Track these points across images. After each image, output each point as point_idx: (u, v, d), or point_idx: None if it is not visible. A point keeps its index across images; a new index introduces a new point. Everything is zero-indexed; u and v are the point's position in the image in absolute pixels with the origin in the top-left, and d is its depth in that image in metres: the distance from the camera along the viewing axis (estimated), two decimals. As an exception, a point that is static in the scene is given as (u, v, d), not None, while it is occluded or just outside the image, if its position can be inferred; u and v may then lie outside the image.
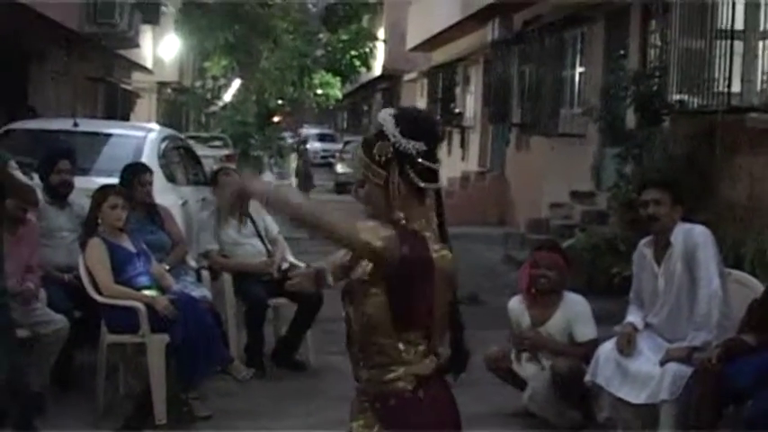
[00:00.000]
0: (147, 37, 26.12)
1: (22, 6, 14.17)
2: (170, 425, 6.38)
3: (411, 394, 3.10)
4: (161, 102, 34.90)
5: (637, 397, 5.50)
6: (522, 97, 17.89)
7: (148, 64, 28.31)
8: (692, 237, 5.59)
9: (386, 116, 3.11)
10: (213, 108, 38.90)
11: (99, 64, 22.95)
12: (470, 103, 24.32)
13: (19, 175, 5.78)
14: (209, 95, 37.91)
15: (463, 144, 24.20)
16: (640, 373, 5.51)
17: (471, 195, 20.64)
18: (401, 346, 3.06)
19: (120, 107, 25.25)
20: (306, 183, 30.49)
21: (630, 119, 12.16)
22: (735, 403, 4.98)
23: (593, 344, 6.13)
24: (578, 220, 13.11)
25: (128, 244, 6.71)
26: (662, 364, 5.40)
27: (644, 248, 5.86)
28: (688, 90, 10.46)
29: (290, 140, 37.50)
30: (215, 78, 36.82)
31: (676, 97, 10.68)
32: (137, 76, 28.92)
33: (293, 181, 33.41)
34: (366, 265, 3.07)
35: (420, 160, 3.06)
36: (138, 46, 23.80)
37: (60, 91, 19.63)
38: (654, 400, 5.40)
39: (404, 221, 3.06)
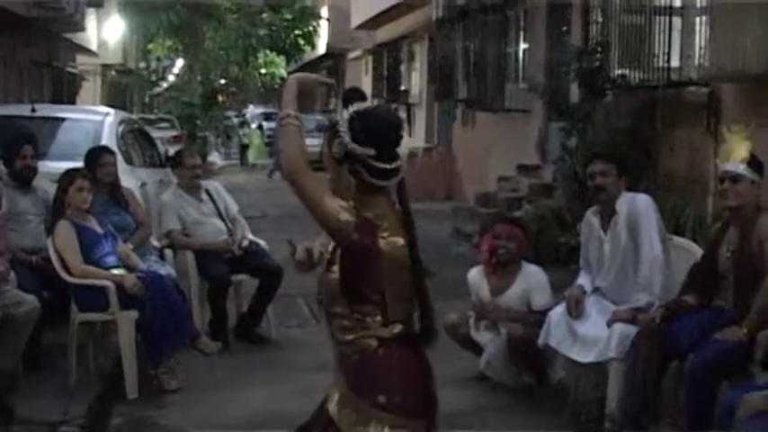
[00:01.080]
0: (91, 19, 26.10)
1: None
2: (141, 399, 6.64)
3: (373, 352, 3.37)
4: (105, 84, 34.81)
5: (586, 356, 5.82)
6: (467, 74, 18.16)
7: (93, 46, 28.28)
8: (636, 205, 5.92)
9: (345, 117, 3.36)
10: (158, 89, 38.87)
11: (44, 48, 22.90)
12: (416, 81, 24.55)
13: None
14: (153, 77, 37.88)
15: (410, 121, 24.44)
16: (589, 334, 5.83)
17: (419, 171, 20.81)
18: (358, 316, 3.35)
19: (66, 91, 25.22)
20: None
21: (574, 94, 12.46)
22: (677, 359, 5.31)
23: (536, 315, 6.48)
24: (525, 193, 13.44)
25: (94, 225, 6.94)
26: (609, 324, 5.73)
27: (591, 217, 6.18)
28: (629, 65, 10.80)
29: (234, 120, 37.60)
30: (159, 60, 36.81)
31: (618, 72, 11.02)
32: (81, 59, 28.85)
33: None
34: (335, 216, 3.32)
35: (371, 162, 3.32)
36: (83, 29, 23.80)
37: (7, 76, 19.62)
38: (602, 358, 5.71)
39: (357, 209, 3.33)
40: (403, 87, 25.33)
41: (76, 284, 6.71)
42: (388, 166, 3.37)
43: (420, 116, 23.74)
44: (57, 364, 7.03)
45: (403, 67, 25.92)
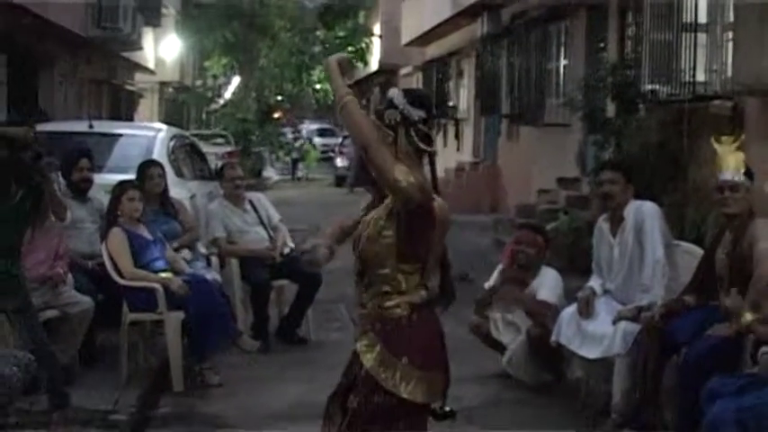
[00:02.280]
0: (148, 38, 26.84)
1: (34, 15, 14.91)
2: (186, 392, 7.14)
3: (406, 319, 3.87)
4: (163, 101, 35.62)
5: (593, 352, 6.25)
6: (510, 89, 18.60)
7: (150, 65, 29.03)
8: (642, 212, 6.34)
9: (395, 91, 3.94)
10: (214, 106, 39.66)
11: (103, 66, 23.69)
12: (464, 96, 24.94)
13: (57, 189, 6.56)
14: (209, 94, 38.70)
15: (458, 135, 24.84)
16: (596, 332, 6.25)
17: (466, 184, 21.33)
18: (400, 276, 3.85)
19: (124, 108, 26.02)
20: None
21: (610, 108, 12.85)
22: (676, 354, 5.71)
23: (546, 305, 6.94)
24: (563, 205, 13.83)
25: (145, 233, 7.49)
26: (614, 323, 6.16)
27: (602, 223, 6.61)
28: (658, 80, 11.18)
29: (289, 136, 38.25)
30: (215, 77, 37.62)
31: (649, 87, 11.40)
32: (139, 76, 29.63)
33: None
34: (383, 209, 3.86)
35: (420, 126, 3.87)
36: (140, 48, 24.53)
37: (67, 94, 20.38)
38: (608, 354, 6.14)
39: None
40: (451, 103, 25.74)
41: (128, 286, 7.25)
42: (432, 132, 3.93)
43: (468, 131, 24.13)
44: (109, 360, 7.54)
45: (451, 83, 26.32)
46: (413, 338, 3.90)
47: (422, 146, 3.89)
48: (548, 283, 7.14)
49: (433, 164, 4.02)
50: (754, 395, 4.46)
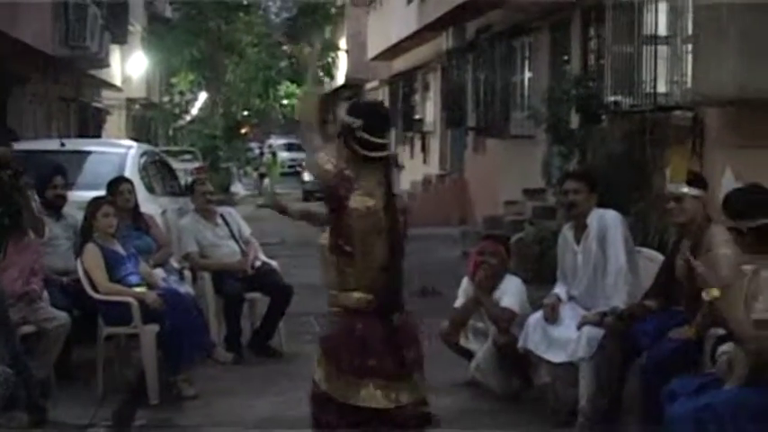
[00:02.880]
0: (115, 55, 26.86)
1: (1, 33, 14.97)
2: (161, 405, 7.23)
3: (346, 321, 4.25)
4: (130, 118, 35.61)
5: (559, 357, 6.42)
6: (476, 102, 18.83)
7: (117, 81, 29.04)
8: (605, 220, 6.52)
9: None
10: (181, 122, 39.68)
11: (71, 84, 23.70)
12: (430, 109, 25.18)
13: (36, 207, 6.67)
14: (176, 110, 38.71)
15: (424, 148, 25.07)
16: (562, 337, 6.43)
17: (433, 197, 21.54)
18: (335, 273, 4.23)
19: (92, 125, 26.02)
20: None
21: (574, 119, 13.08)
22: (639, 357, 5.90)
23: (509, 312, 7.11)
24: (529, 215, 14.04)
25: (119, 248, 7.60)
26: (579, 328, 6.34)
27: (566, 231, 6.80)
28: (621, 92, 11.42)
29: (257, 151, 38.36)
30: (182, 93, 37.63)
31: (611, 98, 11.63)
32: (106, 93, 29.64)
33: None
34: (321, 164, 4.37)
35: (359, 133, 4.25)
36: (107, 65, 24.57)
37: (36, 112, 20.41)
38: (573, 358, 6.31)
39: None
40: (418, 116, 25.96)
41: (103, 301, 7.36)
42: (373, 139, 4.27)
43: (434, 144, 24.37)
44: (85, 375, 7.64)
45: (417, 97, 26.58)
46: (342, 342, 4.27)
47: (360, 150, 4.27)
48: (510, 291, 7.31)
49: (387, 168, 4.35)
50: (711, 394, 4.63)
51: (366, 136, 4.29)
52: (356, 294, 4.28)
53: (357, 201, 4.26)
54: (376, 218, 4.28)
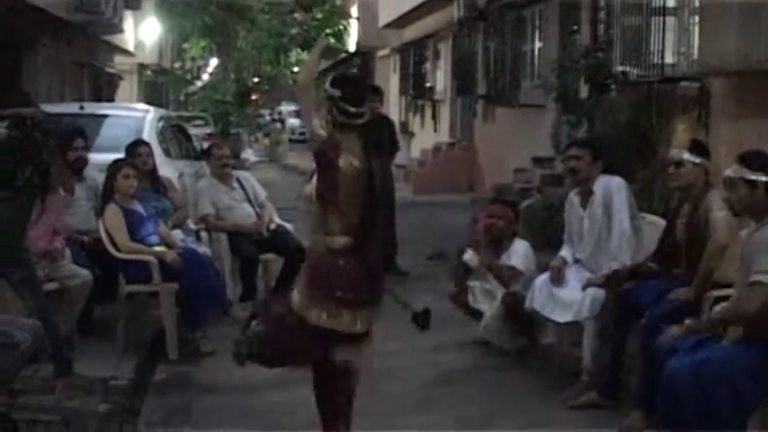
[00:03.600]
0: (128, 21, 26.99)
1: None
2: (180, 360, 7.53)
3: (329, 258, 4.88)
4: (142, 83, 35.74)
5: (564, 317, 6.68)
6: (486, 71, 18.98)
7: (130, 47, 29.19)
8: (610, 186, 6.75)
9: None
10: (193, 88, 39.84)
11: (84, 49, 23.85)
12: (440, 78, 25.24)
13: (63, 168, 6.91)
14: (188, 76, 38.87)
15: (435, 116, 25.19)
16: (567, 298, 6.68)
17: (443, 165, 21.71)
18: (320, 219, 4.89)
19: (105, 90, 26.20)
20: None
21: (583, 89, 13.25)
22: (640, 317, 6.12)
23: (515, 271, 7.43)
24: (538, 183, 14.25)
25: (139, 209, 7.86)
26: (583, 289, 6.59)
27: (573, 197, 7.04)
28: (629, 62, 11.60)
29: (267, 118, 38.51)
30: (193, 59, 37.75)
31: (620, 69, 11.81)
32: (119, 59, 29.75)
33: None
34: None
35: (340, 103, 4.90)
36: (121, 31, 24.74)
37: (50, 76, 20.60)
38: (578, 318, 6.57)
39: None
40: (428, 84, 26.07)
41: (124, 259, 7.62)
42: (350, 108, 4.92)
43: (444, 112, 24.48)
44: (106, 331, 7.89)
45: (428, 65, 26.64)
46: (328, 276, 4.89)
47: (339, 118, 4.91)
48: (518, 252, 7.58)
49: (365, 133, 5.01)
50: (708, 349, 4.87)
51: (344, 105, 4.93)
52: (337, 237, 4.90)
53: (343, 161, 4.88)
54: (358, 176, 4.92)
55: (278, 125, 38.33)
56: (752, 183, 4.93)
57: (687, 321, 5.04)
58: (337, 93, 4.94)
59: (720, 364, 4.78)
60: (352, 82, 5.19)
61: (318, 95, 5.11)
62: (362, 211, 4.95)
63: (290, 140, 37.83)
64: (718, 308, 5.22)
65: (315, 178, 4.97)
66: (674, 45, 10.83)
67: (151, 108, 11.74)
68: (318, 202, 4.95)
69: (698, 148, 6.11)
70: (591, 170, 6.77)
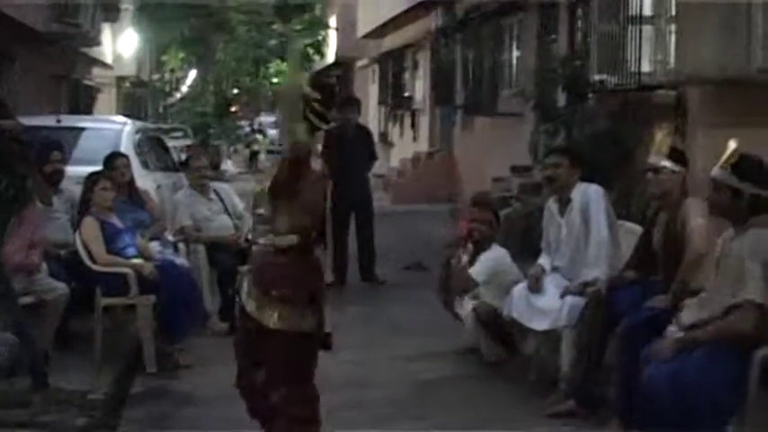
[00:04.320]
0: (106, 33, 26.96)
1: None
2: (158, 373, 7.48)
3: (272, 257, 4.98)
4: (120, 95, 35.67)
5: (542, 325, 6.68)
6: (465, 80, 19.04)
7: (108, 59, 29.12)
8: (588, 194, 6.77)
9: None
10: (172, 100, 39.80)
11: (61, 62, 23.78)
12: (419, 87, 25.30)
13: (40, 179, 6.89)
14: (167, 88, 38.85)
15: (414, 126, 25.23)
16: (545, 306, 6.68)
17: (422, 174, 21.72)
18: (271, 218, 5.02)
19: (83, 102, 26.11)
20: None
21: (561, 98, 13.30)
22: (617, 326, 6.13)
23: (471, 280, 7.57)
24: (516, 192, 14.28)
25: (116, 221, 7.83)
26: (562, 297, 6.59)
27: (551, 204, 7.05)
28: (606, 71, 11.65)
29: (247, 129, 38.50)
30: (172, 71, 37.77)
31: (597, 77, 11.86)
32: (97, 71, 29.67)
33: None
34: None
35: (314, 105, 4.97)
36: (99, 44, 24.66)
37: (27, 89, 20.51)
38: (555, 326, 6.57)
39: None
40: (407, 94, 26.12)
41: (101, 272, 7.58)
42: (324, 111, 5.02)
43: (424, 122, 24.51)
44: (82, 345, 7.83)
45: (407, 75, 26.70)
46: (273, 274, 4.97)
47: (312, 118, 4.97)
48: (483, 258, 7.66)
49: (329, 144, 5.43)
50: (685, 357, 4.88)
51: (319, 108, 5.02)
52: (286, 236, 4.98)
53: (313, 163, 5.06)
54: (317, 179, 5.11)
55: (258, 136, 38.25)
56: (737, 191, 4.94)
57: (676, 336, 4.99)
58: (315, 94, 5.01)
59: (698, 372, 4.78)
60: (325, 87, 5.29)
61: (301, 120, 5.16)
62: (313, 214, 5.07)
63: (270, 152, 37.75)
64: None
65: (272, 177, 5.07)
66: (650, 54, 10.90)
67: (128, 120, 11.73)
68: (271, 200, 5.04)
69: (676, 155, 6.11)
70: (569, 177, 6.79)
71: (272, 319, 4.95)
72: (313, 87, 5.14)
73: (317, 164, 5.12)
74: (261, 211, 5.16)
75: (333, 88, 5.49)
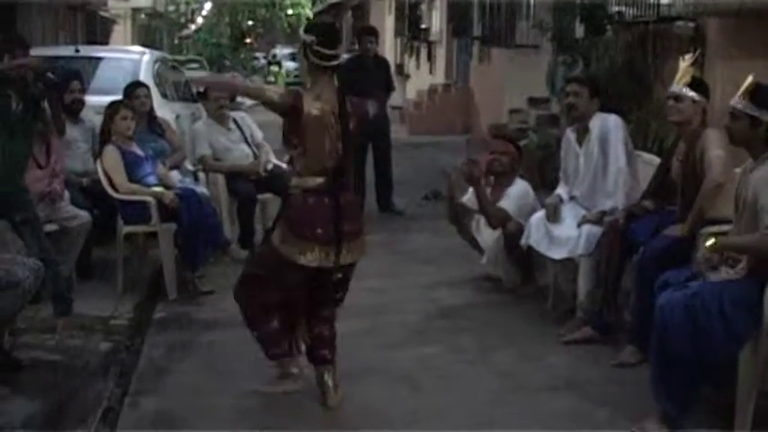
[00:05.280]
0: (122, -36, 26.87)
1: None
2: (179, 300, 7.61)
3: (301, 198, 5.11)
4: (135, 27, 35.56)
5: (560, 254, 6.72)
6: (482, 12, 18.92)
7: (124, -9, 29.06)
8: (606, 124, 6.78)
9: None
10: (187, 32, 39.65)
11: (78, -8, 23.77)
12: (436, 19, 25.16)
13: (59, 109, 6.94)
14: (182, 19, 38.68)
15: (430, 58, 25.13)
16: (563, 235, 6.73)
17: (439, 106, 21.71)
18: (295, 163, 5.18)
19: (99, 34, 26.11)
20: None
21: (579, 30, 13.23)
22: (635, 254, 6.20)
23: (503, 213, 7.51)
24: (533, 124, 14.28)
25: (137, 150, 7.89)
26: (579, 226, 6.64)
27: (569, 133, 7.06)
28: (625, 2, 11.59)
29: (262, 61, 38.37)
30: (188, 3, 37.58)
31: (616, 9, 11.80)
32: (112, 2, 29.59)
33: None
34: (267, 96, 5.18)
35: (315, 47, 5.12)
36: (114, -26, 24.61)
37: (44, 21, 20.51)
38: (573, 255, 6.62)
39: (308, 86, 5.24)
40: (424, 26, 25.97)
41: (122, 200, 7.66)
42: (325, 51, 5.13)
43: (440, 54, 24.42)
44: (105, 273, 7.97)
45: (424, 7, 26.54)
46: (303, 214, 5.13)
47: (315, 60, 5.13)
48: (510, 195, 7.62)
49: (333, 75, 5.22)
50: (699, 283, 4.94)
51: (320, 49, 5.12)
52: (309, 178, 5.13)
53: (310, 105, 5.08)
54: (327, 119, 5.12)
55: (275, 68, 38.11)
56: (754, 119, 4.96)
57: (709, 243, 5.01)
58: (311, 38, 5.13)
59: (712, 297, 4.83)
60: (325, 27, 5.36)
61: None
62: (331, 153, 5.15)
63: (287, 84, 37.69)
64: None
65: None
66: (670, -16, 10.81)
67: (147, 50, 11.73)
68: (285, 144, 5.22)
69: (698, 85, 6.12)
70: (589, 107, 6.79)
71: (294, 255, 5.14)
72: (311, 28, 5.27)
73: (325, 104, 5.14)
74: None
75: (331, 26, 5.45)
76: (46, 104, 6.70)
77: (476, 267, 8.01)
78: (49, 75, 6.54)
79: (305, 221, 5.12)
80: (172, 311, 7.38)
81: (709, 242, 5.00)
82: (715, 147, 5.80)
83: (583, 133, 6.89)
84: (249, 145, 9.13)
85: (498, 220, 7.49)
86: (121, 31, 31.99)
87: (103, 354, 6.28)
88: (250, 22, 36.53)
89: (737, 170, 5.39)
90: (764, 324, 4.74)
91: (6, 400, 5.42)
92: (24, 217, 6.54)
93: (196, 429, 5.17)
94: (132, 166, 7.74)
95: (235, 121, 9.23)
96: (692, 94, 6.01)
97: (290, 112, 5.07)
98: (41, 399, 5.45)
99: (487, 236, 7.71)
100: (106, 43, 25.80)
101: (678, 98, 6.04)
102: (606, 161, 6.72)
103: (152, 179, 7.81)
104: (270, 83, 36.76)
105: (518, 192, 7.70)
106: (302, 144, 5.10)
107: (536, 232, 6.91)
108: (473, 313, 7.24)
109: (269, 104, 5.13)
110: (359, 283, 5.83)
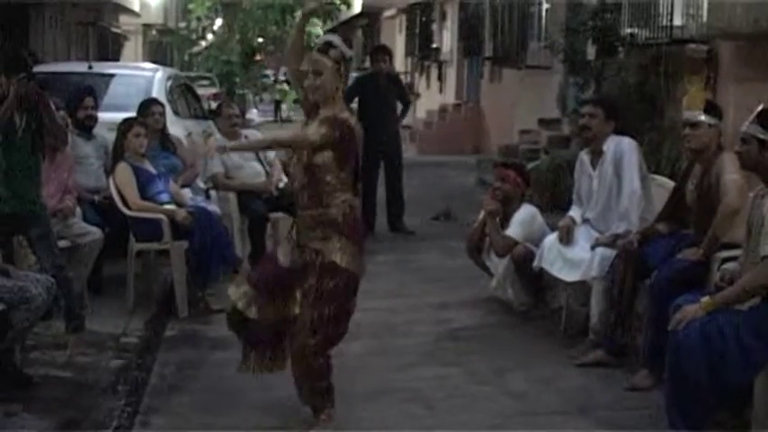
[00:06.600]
0: (134, -19, 26.98)
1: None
2: (190, 318, 7.60)
3: (349, 212, 5.11)
4: (147, 43, 35.69)
5: (572, 276, 6.71)
6: (493, 32, 18.95)
7: (135, 7, 29.15)
8: (621, 146, 6.76)
9: (334, 37, 5.16)
10: (197, 48, 39.67)
11: (89, 9, 23.82)
12: (447, 39, 25.20)
13: (57, 116, 6.93)
14: (193, 36, 38.70)
15: (441, 77, 25.16)
16: (576, 257, 6.71)
17: (449, 126, 21.73)
18: (339, 184, 5.08)
19: (110, 50, 26.20)
20: None
21: (591, 51, 13.25)
22: (648, 278, 6.17)
23: (510, 241, 7.50)
24: (544, 145, 14.28)
25: (149, 167, 7.89)
26: (592, 248, 6.62)
27: (583, 156, 7.05)
28: (637, 24, 11.60)
29: (272, 78, 38.37)
30: (199, 19, 37.58)
31: (628, 31, 11.82)
32: (124, 19, 29.74)
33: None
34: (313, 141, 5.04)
35: (349, 64, 5.12)
36: (127, -10, 24.70)
37: (56, 36, 20.59)
38: (586, 277, 6.60)
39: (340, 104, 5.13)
40: (435, 45, 26.01)
41: (135, 217, 7.66)
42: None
43: (450, 73, 24.46)
44: (116, 290, 7.95)
45: (435, 26, 26.57)
46: (354, 226, 5.16)
47: (340, 82, 5.06)
48: (518, 220, 7.60)
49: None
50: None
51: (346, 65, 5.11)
52: (351, 192, 5.19)
53: (356, 127, 5.12)
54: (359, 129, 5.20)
55: (284, 86, 38.15)
56: (763, 142, 4.95)
57: (704, 300, 4.98)
58: (351, 53, 5.09)
59: (728, 323, 4.81)
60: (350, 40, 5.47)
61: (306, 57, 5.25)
62: (356, 166, 5.20)
63: (296, 101, 37.70)
64: (729, 266, 5.25)
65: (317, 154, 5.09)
66: (682, 7, 10.82)
67: (160, 67, 11.77)
68: (336, 171, 5.08)
69: (713, 109, 6.11)
70: (602, 129, 6.78)
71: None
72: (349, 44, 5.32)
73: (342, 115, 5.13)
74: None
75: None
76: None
77: (486, 288, 7.99)
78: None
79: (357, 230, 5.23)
80: (182, 329, 7.38)
81: (705, 299, 4.96)
82: (731, 171, 5.78)
83: (597, 156, 6.87)
84: (261, 163, 9.13)
85: (504, 248, 7.49)
86: (132, 47, 32.10)
87: (114, 371, 6.29)
88: (260, 40, 36.46)
89: (751, 194, 5.37)
90: (780, 350, 4.72)
91: (17, 417, 5.42)
92: (40, 233, 6.55)
93: (207, 449, 5.16)
94: (145, 184, 7.75)
95: (246, 138, 9.22)
96: (707, 119, 5.99)
97: (337, 141, 5.02)
98: (52, 415, 5.45)
99: (497, 260, 7.69)
100: (117, 59, 25.88)
101: (695, 125, 6.02)
102: (620, 184, 6.70)
103: (164, 197, 7.81)
104: (278, 102, 36.84)
105: (523, 217, 7.68)
106: (354, 164, 5.15)
107: (549, 254, 6.89)
108: (484, 334, 7.22)
109: (317, 148, 5.02)
110: (369, 303, 5.81)
